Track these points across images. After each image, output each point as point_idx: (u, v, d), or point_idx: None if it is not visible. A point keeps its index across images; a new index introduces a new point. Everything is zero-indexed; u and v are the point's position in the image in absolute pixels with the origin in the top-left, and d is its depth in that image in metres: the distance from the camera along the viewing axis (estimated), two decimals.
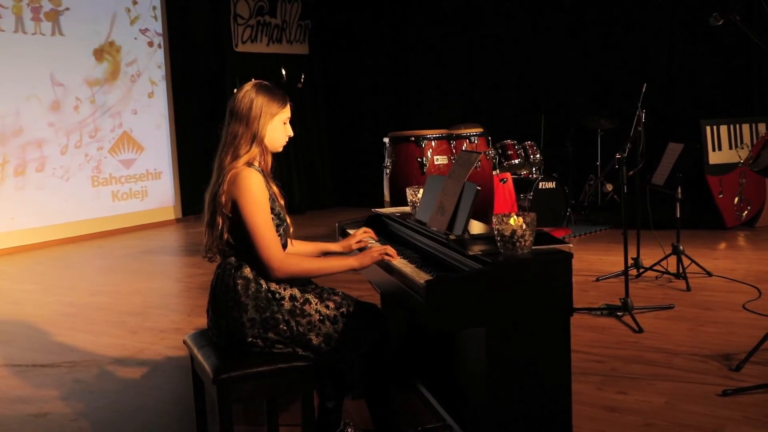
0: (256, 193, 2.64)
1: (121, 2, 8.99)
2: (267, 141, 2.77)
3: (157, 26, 9.43)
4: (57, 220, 8.39)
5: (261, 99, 2.74)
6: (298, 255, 2.78)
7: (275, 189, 2.81)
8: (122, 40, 9.02)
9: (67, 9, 8.42)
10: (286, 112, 2.81)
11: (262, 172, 2.76)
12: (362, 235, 3.17)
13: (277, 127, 2.79)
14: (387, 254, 2.80)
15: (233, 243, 2.71)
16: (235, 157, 2.70)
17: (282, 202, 2.84)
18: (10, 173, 7.99)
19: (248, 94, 2.75)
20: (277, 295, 2.67)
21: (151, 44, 9.37)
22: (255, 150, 2.73)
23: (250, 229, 2.64)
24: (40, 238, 8.21)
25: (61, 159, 8.44)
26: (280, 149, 2.86)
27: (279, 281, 2.70)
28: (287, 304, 2.67)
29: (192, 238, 8.45)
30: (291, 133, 2.86)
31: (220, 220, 2.68)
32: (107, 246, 8.22)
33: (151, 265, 7.19)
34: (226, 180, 2.67)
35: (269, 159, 2.83)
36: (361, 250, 3.13)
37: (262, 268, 2.68)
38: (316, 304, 2.70)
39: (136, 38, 9.18)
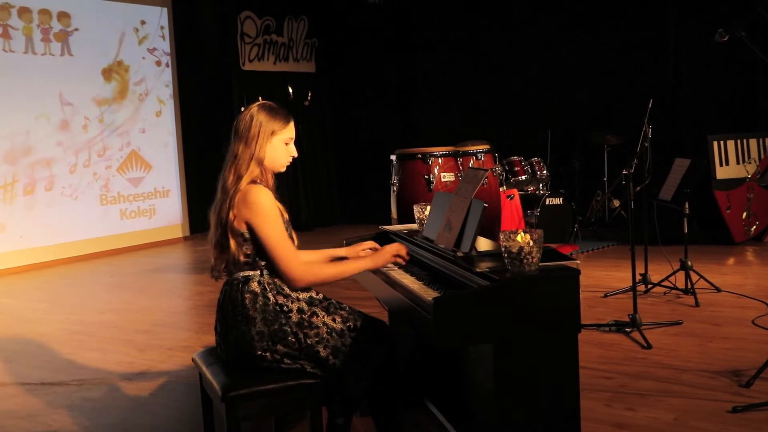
0: (268, 209, 2.67)
1: (130, 22, 9.07)
2: (267, 161, 2.78)
3: (165, 46, 9.51)
4: (65, 238, 8.43)
5: (261, 118, 2.76)
6: (316, 263, 2.81)
7: (279, 205, 2.83)
8: (130, 60, 9.09)
9: (77, 30, 8.50)
10: (287, 132, 2.82)
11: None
12: (368, 244, 3.22)
13: (277, 147, 2.79)
14: (399, 255, 2.84)
15: (245, 260, 2.73)
16: (238, 176, 2.72)
17: (286, 216, 2.86)
18: (20, 192, 8.03)
19: (250, 113, 2.77)
20: (284, 308, 2.69)
21: (159, 63, 9.44)
22: (255, 169, 2.74)
23: (267, 244, 2.66)
24: (48, 257, 8.25)
25: (70, 178, 8.49)
26: (282, 169, 2.86)
27: (287, 294, 2.72)
28: (295, 317, 2.69)
29: (200, 255, 8.47)
30: (294, 154, 2.87)
31: (233, 243, 2.69)
32: (116, 264, 8.24)
33: (160, 283, 7.20)
34: (235, 202, 2.68)
35: (270, 178, 2.84)
36: None
37: (283, 280, 2.69)
38: (323, 317, 2.72)
39: (144, 58, 9.26)
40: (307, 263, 2.77)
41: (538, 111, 8.98)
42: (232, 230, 2.69)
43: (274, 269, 2.71)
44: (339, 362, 2.70)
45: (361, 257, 2.94)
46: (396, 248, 2.89)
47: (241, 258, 2.73)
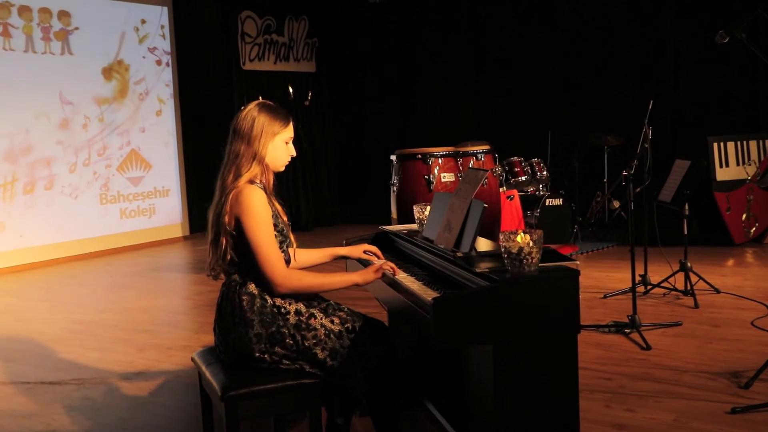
0: (258, 210, 2.67)
1: (130, 21, 9.07)
2: (268, 160, 2.79)
3: (165, 45, 9.51)
4: (65, 237, 8.43)
5: (263, 118, 2.76)
6: (301, 271, 2.80)
7: (278, 206, 2.84)
8: (131, 59, 9.09)
9: (77, 29, 8.50)
10: (288, 132, 2.83)
11: (264, 189, 2.78)
12: (370, 247, 3.21)
13: (278, 147, 2.81)
14: (386, 269, 2.83)
15: (238, 260, 2.73)
16: (237, 175, 2.73)
17: (285, 218, 2.86)
18: (20, 191, 8.03)
19: (251, 113, 2.78)
20: (282, 310, 2.69)
21: (159, 63, 9.44)
22: (256, 168, 2.75)
23: (253, 246, 2.66)
24: (48, 256, 8.25)
25: (70, 177, 8.49)
26: (282, 168, 2.88)
27: (283, 297, 2.72)
28: (292, 319, 2.69)
29: (199, 255, 8.47)
30: (293, 153, 2.88)
31: (223, 240, 2.70)
32: (115, 263, 8.24)
33: (159, 282, 7.20)
34: (229, 199, 2.69)
35: (271, 177, 2.85)
36: (364, 264, 3.15)
37: (266, 285, 2.69)
38: (321, 319, 2.72)
39: (144, 57, 9.26)
40: (291, 270, 2.74)
41: (538, 111, 8.98)
42: (223, 228, 2.70)
43: (257, 272, 2.70)
44: (337, 364, 2.70)
45: (351, 273, 2.92)
46: (381, 264, 2.88)
47: (235, 258, 2.73)
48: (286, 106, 2.92)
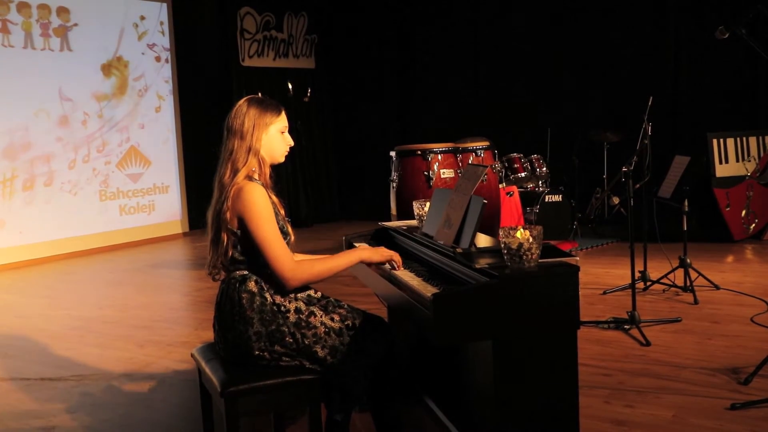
0: (261, 207, 2.66)
1: (129, 17, 9.06)
2: (264, 152, 2.78)
3: (165, 41, 9.50)
4: (65, 234, 8.42)
5: (253, 111, 2.76)
6: (307, 261, 2.80)
7: (275, 199, 2.82)
8: (130, 55, 9.08)
9: (76, 25, 8.49)
10: (281, 121, 2.82)
11: (263, 184, 2.77)
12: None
13: (274, 138, 2.80)
14: (393, 260, 2.85)
15: (240, 258, 2.73)
16: (234, 171, 2.71)
17: (282, 212, 2.85)
18: (19, 188, 8.03)
19: (240, 108, 2.78)
20: (282, 308, 2.69)
21: (158, 59, 9.43)
22: (252, 162, 2.74)
23: (260, 243, 2.65)
24: (47, 252, 8.24)
25: (69, 173, 8.49)
26: (282, 159, 2.86)
27: (285, 293, 2.71)
28: (292, 317, 2.68)
29: (199, 251, 8.47)
30: (291, 143, 2.87)
31: (225, 237, 2.69)
32: (115, 260, 8.24)
33: (159, 278, 7.20)
34: (230, 196, 2.68)
35: (267, 170, 2.83)
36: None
37: (275, 281, 2.69)
38: (321, 317, 2.71)
39: (143, 53, 9.25)
40: (299, 262, 2.74)
41: (538, 108, 8.97)
42: (224, 225, 2.69)
43: (266, 269, 2.70)
44: (337, 361, 2.70)
45: (356, 249, 2.93)
46: (392, 253, 2.89)
47: (236, 255, 2.72)
48: (286, 103, 2.90)
